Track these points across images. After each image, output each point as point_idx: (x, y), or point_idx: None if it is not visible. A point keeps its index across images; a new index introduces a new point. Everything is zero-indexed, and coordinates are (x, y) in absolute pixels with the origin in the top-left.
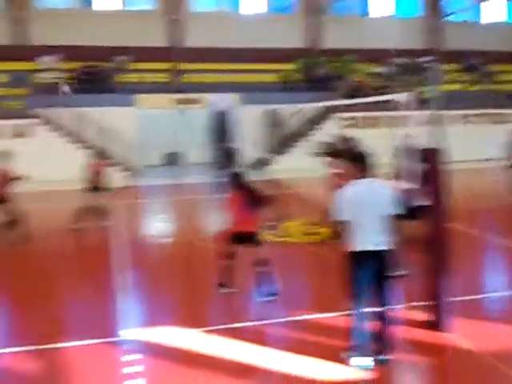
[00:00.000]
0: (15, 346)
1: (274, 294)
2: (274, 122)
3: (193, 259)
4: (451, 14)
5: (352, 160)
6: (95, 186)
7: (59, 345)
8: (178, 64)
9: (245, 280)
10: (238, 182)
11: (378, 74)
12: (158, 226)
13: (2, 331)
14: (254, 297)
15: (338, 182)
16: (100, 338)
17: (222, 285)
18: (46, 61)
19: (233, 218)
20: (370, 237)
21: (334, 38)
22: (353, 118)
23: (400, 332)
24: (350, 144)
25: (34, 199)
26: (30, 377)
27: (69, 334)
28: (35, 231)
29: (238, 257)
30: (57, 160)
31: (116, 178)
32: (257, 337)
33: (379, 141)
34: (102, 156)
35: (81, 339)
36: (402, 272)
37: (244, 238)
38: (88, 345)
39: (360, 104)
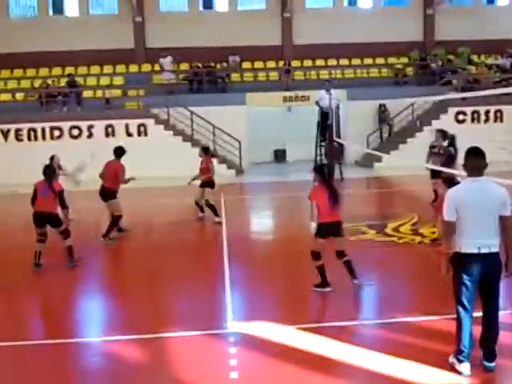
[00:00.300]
0: (129, 333)
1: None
2: (384, 117)
3: (297, 255)
4: None
5: (463, 158)
6: (205, 182)
7: (165, 334)
8: (287, 62)
9: (343, 279)
10: (323, 175)
11: (497, 66)
12: (264, 221)
13: (114, 320)
14: (352, 294)
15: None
16: (203, 329)
17: (319, 285)
18: (163, 62)
19: (318, 210)
20: (479, 239)
21: (450, 30)
22: (468, 113)
23: (509, 338)
24: (450, 140)
25: (145, 195)
26: (137, 364)
27: (175, 325)
28: (147, 225)
29: (325, 255)
30: (171, 158)
31: (225, 174)
32: (356, 337)
33: (498, 136)
34: (212, 153)
35: (186, 330)
36: None
37: (330, 229)
38: (192, 336)
39: (477, 98)
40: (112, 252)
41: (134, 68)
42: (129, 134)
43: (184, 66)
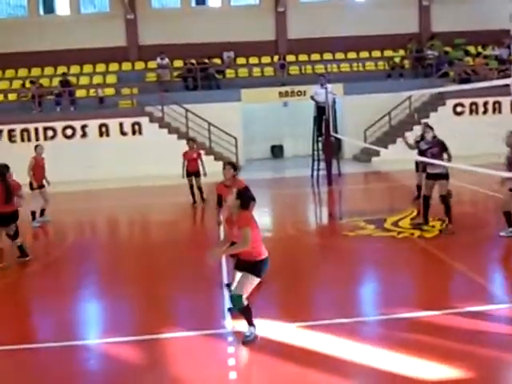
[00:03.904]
0: (128, 335)
1: None
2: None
3: (294, 252)
4: None
5: None
6: (192, 172)
7: (164, 335)
8: (282, 56)
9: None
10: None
11: (495, 57)
12: (264, 218)
13: (111, 322)
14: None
15: None
16: (201, 329)
17: None
18: (157, 60)
19: None
20: None
21: (445, 22)
22: (465, 105)
23: None
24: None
25: (139, 194)
26: (135, 366)
27: (173, 326)
28: (141, 224)
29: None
30: (166, 156)
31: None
32: (356, 334)
33: (495, 128)
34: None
35: (183, 330)
36: None
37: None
38: (190, 336)
39: (475, 89)
40: (113, 252)
41: (127, 66)
42: (123, 133)
43: (178, 63)
